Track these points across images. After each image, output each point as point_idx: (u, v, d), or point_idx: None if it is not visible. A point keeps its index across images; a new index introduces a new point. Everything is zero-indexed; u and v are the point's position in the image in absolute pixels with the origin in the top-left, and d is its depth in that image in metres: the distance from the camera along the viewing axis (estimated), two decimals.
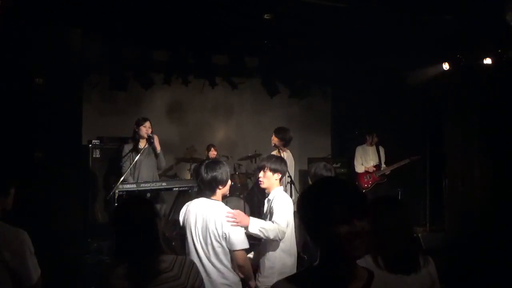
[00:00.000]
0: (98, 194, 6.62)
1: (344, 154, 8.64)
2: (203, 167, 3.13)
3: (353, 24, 5.88)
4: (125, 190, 5.21)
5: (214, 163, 3.18)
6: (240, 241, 2.98)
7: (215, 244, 2.98)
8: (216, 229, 2.97)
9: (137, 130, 5.70)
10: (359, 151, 7.51)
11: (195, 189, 5.41)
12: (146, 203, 2.21)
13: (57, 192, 3.99)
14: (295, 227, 3.54)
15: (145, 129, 5.66)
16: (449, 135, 7.18)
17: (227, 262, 2.99)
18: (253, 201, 7.34)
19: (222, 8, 5.73)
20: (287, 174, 5.42)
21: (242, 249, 3.01)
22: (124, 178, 5.33)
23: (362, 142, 7.55)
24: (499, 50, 6.04)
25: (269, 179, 3.48)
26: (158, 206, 5.88)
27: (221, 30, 6.51)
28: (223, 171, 3.10)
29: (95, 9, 5.36)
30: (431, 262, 2.36)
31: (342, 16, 5.71)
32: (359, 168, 7.44)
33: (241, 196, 7.17)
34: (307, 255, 3.69)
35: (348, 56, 7.52)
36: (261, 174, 3.52)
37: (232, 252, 2.99)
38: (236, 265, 3.03)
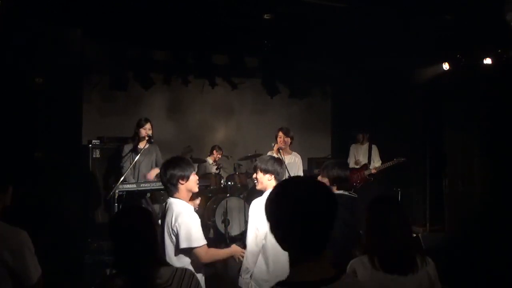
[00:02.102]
0: (98, 194, 6.62)
1: (344, 154, 8.64)
2: (162, 167, 3.07)
3: (353, 24, 5.88)
4: (125, 190, 5.21)
5: (172, 160, 3.10)
6: (187, 238, 2.85)
7: (167, 240, 2.92)
8: (169, 224, 2.91)
9: (137, 131, 5.69)
10: (352, 149, 7.62)
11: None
12: (144, 213, 2.17)
13: (57, 192, 4.00)
14: None
15: (145, 131, 5.65)
16: (449, 135, 7.18)
17: (176, 259, 2.87)
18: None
19: (222, 8, 5.73)
20: (286, 174, 5.44)
21: (199, 246, 2.87)
22: (124, 178, 5.33)
23: (355, 141, 7.60)
24: (499, 50, 6.04)
25: (261, 180, 3.40)
26: (157, 206, 5.90)
27: (221, 30, 6.52)
28: (183, 166, 3.02)
29: (95, 9, 5.37)
30: (430, 263, 2.32)
31: (342, 16, 5.71)
32: (351, 166, 7.47)
33: (241, 196, 7.17)
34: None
35: (348, 56, 7.52)
36: (254, 175, 3.49)
37: (187, 251, 2.87)
38: (203, 264, 2.93)
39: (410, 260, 2.27)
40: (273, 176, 3.38)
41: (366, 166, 7.35)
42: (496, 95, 6.21)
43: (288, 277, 1.47)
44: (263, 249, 3.18)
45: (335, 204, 1.52)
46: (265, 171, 3.39)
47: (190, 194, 3.11)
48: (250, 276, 3.18)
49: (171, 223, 2.90)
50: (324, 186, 1.55)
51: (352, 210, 3.61)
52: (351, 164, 7.49)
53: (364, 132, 7.46)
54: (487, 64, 6.18)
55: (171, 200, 3.03)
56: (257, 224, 3.14)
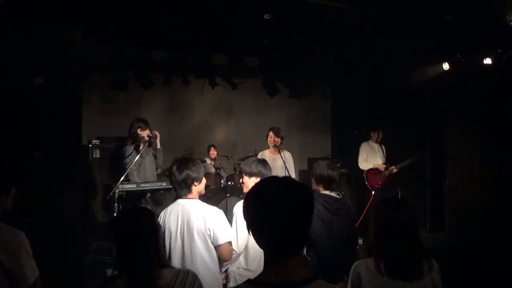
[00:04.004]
0: (98, 194, 6.62)
1: (344, 154, 8.64)
2: (175, 167, 3.10)
3: (353, 24, 5.88)
4: (125, 190, 5.21)
5: (186, 161, 3.15)
6: (224, 235, 3.00)
7: (198, 242, 2.96)
8: (199, 226, 2.96)
9: (140, 132, 5.68)
10: (364, 147, 7.28)
11: None
12: (146, 214, 2.17)
13: (57, 192, 3.99)
14: None
15: (145, 134, 5.67)
16: (449, 135, 7.18)
17: (209, 258, 3.00)
18: None
19: (222, 8, 5.72)
20: (285, 174, 5.46)
21: (227, 242, 3.02)
22: (127, 178, 5.34)
23: (367, 138, 7.38)
24: (499, 50, 6.04)
25: (247, 184, 3.45)
26: (156, 207, 5.89)
27: (221, 30, 6.51)
28: (197, 168, 3.08)
29: (95, 9, 5.36)
30: (435, 267, 2.27)
31: (342, 16, 5.71)
32: (364, 165, 7.19)
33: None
34: (311, 257, 3.63)
35: (348, 56, 7.52)
36: (241, 179, 3.57)
37: (217, 247, 3.00)
38: (222, 260, 3.06)
39: (417, 267, 2.20)
40: (258, 178, 3.40)
41: (386, 167, 7.15)
42: (496, 95, 6.21)
43: (261, 275, 1.47)
44: (244, 249, 3.28)
45: (310, 206, 1.49)
46: (250, 174, 3.44)
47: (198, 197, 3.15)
48: (225, 271, 3.31)
49: (204, 225, 2.95)
50: (300, 187, 1.51)
51: (338, 211, 3.60)
52: (363, 163, 7.20)
53: (376, 130, 7.26)
54: (487, 64, 6.18)
55: (187, 201, 3.06)
56: (242, 226, 3.17)
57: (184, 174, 3.02)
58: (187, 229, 2.97)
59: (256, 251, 3.20)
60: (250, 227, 1.48)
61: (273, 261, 1.45)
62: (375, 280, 2.19)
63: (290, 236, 1.43)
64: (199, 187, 3.09)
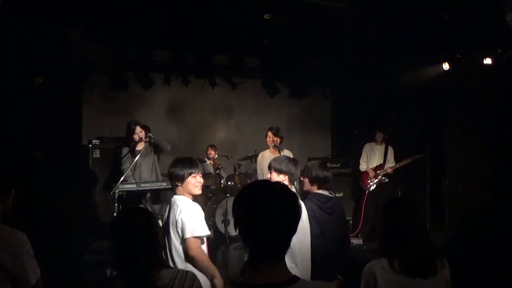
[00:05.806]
0: (98, 194, 6.61)
1: (344, 154, 8.63)
2: (172, 163, 3.15)
3: (353, 24, 5.88)
4: (125, 190, 5.21)
5: (175, 159, 3.15)
6: (191, 228, 2.85)
7: (172, 234, 2.94)
8: (173, 218, 2.95)
9: (130, 136, 5.66)
10: (366, 148, 7.38)
11: None
12: (145, 214, 2.17)
13: (57, 192, 3.99)
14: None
15: (137, 136, 5.64)
16: (449, 135, 7.18)
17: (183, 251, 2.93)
18: None
19: (222, 8, 5.73)
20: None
21: (193, 237, 2.85)
22: (124, 179, 5.32)
23: (371, 139, 7.41)
24: (499, 50, 6.04)
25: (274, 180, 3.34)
26: (157, 206, 5.89)
27: (221, 30, 6.51)
28: (180, 166, 3.04)
29: (95, 9, 5.36)
30: (446, 265, 2.29)
31: (342, 16, 5.71)
32: (362, 166, 7.32)
33: None
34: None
35: (348, 56, 7.52)
36: (268, 175, 3.44)
37: (183, 240, 2.87)
38: (188, 256, 2.89)
39: (430, 263, 2.23)
40: (286, 176, 3.32)
41: (381, 167, 7.21)
42: (496, 95, 6.21)
43: (245, 277, 1.49)
44: (290, 253, 3.14)
45: (298, 214, 1.51)
46: (279, 172, 3.35)
47: (191, 195, 3.08)
48: None
49: (176, 217, 2.93)
50: (290, 193, 1.52)
51: (332, 210, 3.60)
52: (362, 164, 7.32)
53: (382, 131, 7.30)
54: (487, 64, 6.18)
55: (175, 197, 3.08)
56: None
57: (169, 172, 3.09)
58: (167, 222, 3.01)
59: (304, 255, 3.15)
60: (238, 225, 1.50)
61: (256, 262, 1.47)
62: (392, 279, 2.20)
63: (273, 241, 1.45)
64: (184, 186, 3.05)
